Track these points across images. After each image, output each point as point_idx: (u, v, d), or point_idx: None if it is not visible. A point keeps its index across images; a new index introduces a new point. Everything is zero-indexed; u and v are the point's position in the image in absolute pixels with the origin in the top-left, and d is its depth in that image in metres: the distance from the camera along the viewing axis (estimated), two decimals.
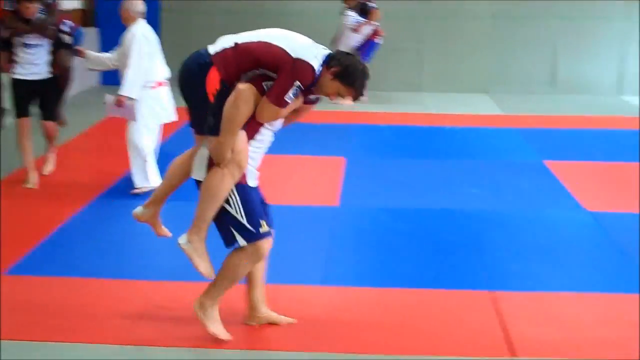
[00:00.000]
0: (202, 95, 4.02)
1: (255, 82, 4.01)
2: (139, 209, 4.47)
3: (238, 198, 4.05)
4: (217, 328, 4.20)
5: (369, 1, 11.43)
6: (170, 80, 6.48)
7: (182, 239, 4.11)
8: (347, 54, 4.26)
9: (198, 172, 4.11)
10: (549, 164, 8.24)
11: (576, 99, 12.41)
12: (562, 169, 7.99)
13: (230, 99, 3.96)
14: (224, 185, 3.99)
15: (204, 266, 4.13)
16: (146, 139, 6.74)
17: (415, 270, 5.35)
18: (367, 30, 11.39)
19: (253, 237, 4.07)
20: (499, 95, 12.60)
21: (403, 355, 4.13)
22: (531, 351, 4.17)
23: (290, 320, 4.44)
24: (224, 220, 4.09)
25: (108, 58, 7.01)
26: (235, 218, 4.05)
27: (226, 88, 3.98)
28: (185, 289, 4.73)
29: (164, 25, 12.34)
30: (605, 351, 4.21)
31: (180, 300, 4.62)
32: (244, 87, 3.96)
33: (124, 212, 5.70)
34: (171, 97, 6.80)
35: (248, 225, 4.06)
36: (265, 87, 4.00)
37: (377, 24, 11.42)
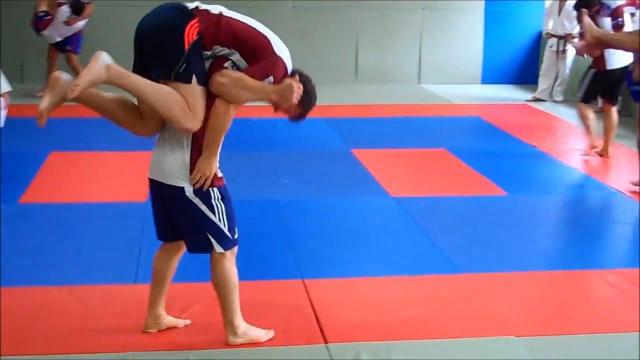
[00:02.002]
0: (178, 41, 3.77)
1: (218, 61, 3.87)
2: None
3: (224, 207, 3.96)
4: (262, 333, 4.19)
5: None
6: None
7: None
8: (307, 76, 4.12)
9: (179, 179, 3.91)
10: (356, 152, 8.48)
11: (380, 89, 12.82)
12: (368, 157, 8.23)
13: (221, 109, 3.82)
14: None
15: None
16: None
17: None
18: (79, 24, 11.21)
19: (230, 244, 4.02)
20: None
21: (214, 349, 4.12)
22: (343, 336, 4.27)
23: (186, 322, 4.35)
24: (200, 227, 3.94)
25: None
26: (217, 226, 3.95)
27: (199, 42, 3.80)
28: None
29: None
30: (413, 331, 4.37)
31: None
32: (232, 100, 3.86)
33: None
34: None
35: (228, 233, 3.99)
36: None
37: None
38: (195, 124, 3.83)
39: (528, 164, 8.25)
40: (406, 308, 4.67)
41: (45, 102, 3.73)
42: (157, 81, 3.81)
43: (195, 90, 3.81)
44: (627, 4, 8.49)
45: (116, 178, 7.41)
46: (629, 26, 8.36)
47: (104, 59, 3.68)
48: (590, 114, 8.48)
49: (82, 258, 5.39)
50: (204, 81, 3.84)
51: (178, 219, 4.00)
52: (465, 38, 13.35)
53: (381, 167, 7.88)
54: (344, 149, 8.65)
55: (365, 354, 4.08)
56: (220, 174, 3.99)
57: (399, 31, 13.29)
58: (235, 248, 4.09)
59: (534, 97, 11.86)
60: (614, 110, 8.52)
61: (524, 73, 13.35)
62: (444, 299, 4.83)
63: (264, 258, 5.45)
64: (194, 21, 3.81)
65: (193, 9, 3.87)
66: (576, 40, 9.49)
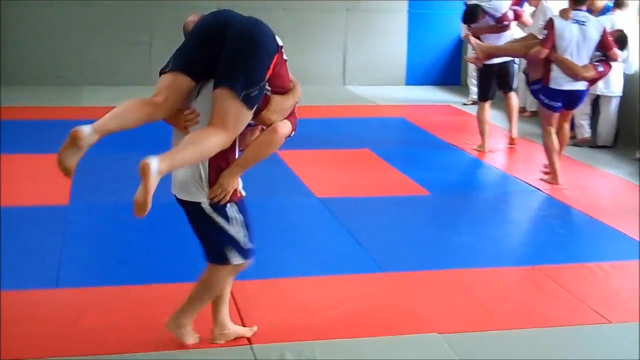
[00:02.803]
0: (266, 66, 3.76)
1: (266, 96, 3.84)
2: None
3: (240, 219, 3.93)
4: (192, 340, 4.15)
5: None
6: None
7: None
8: None
9: (196, 194, 3.85)
10: (281, 153, 8.46)
11: (304, 90, 12.69)
12: (293, 158, 8.23)
13: (267, 139, 3.92)
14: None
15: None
16: None
17: (152, 267, 5.31)
18: None
19: (245, 255, 3.99)
20: None
21: (116, 355, 4.08)
22: (267, 337, 4.26)
23: (254, 329, 4.32)
24: (216, 237, 3.90)
25: None
26: (233, 238, 3.91)
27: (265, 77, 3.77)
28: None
29: None
30: (338, 330, 4.40)
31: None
32: (282, 134, 3.93)
33: None
34: None
35: (243, 245, 3.95)
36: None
37: None
38: (227, 143, 3.73)
39: (451, 164, 8.37)
40: (331, 307, 4.70)
41: (70, 161, 3.55)
42: (217, 86, 3.69)
43: (247, 117, 3.74)
44: (513, 4, 8.88)
45: (35, 181, 7.26)
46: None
47: (152, 168, 3.40)
48: (486, 117, 8.76)
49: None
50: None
51: (195, 229, 3.98)
52: (389, 39, 13.47)
53: (306, 168, 7.90)
54: None
55: (290, 354, 4.09)
56: (241, 189, 3.99)
57: (323, 32, 13.32)
58: (246, 264, 4.06)
59: (470, 100, 11.90)
60: (512, 96, 8.94)
61: (448, 74, 13.54)
62: (368, 298, 4.87)
63: (187, 260, 5.40)
64: (278, 54, 3.86)
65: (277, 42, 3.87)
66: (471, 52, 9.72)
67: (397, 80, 13.46)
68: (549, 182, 7.60)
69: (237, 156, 3.91)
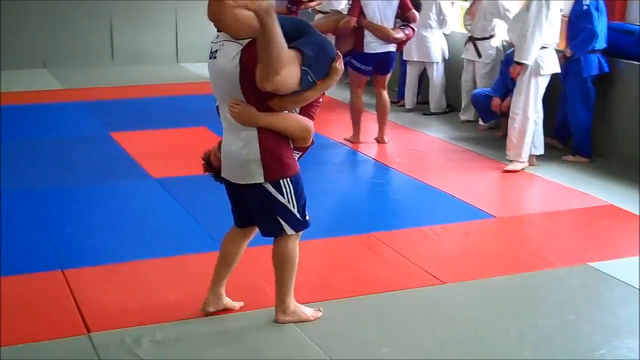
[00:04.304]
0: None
1: None
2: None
3: (292, 189, 4.01)
4: (311, 312, 4.32)
5: None
6: None
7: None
8: None
9: (251, 176, 3.95)
10: (115, 135, 8.31)
11: (138, 69, 12.61)
12: (128, 140, 8.10)
13: (303, 126, 4.06)
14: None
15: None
16: None
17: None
18: None
19: (300, 225, 4.10)
20: (58, 69, 12.37)
21: None
22: (106, 324, 4.19)
23: (240, 303, 4.46)
24: (272, 211, 4.01)
25: None
26: (287, 208, 4.01)
27: None
28: None
29: None
30: (179, 311, 4.37)
31: None
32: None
33: None
34: None
35: (298, 215, 4.05)
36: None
37: None
38: (274, 86, 3.71)
39: None
40: (171, 289, 4.67)
41: None
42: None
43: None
44: None
45: None
46: None
47: None
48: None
49: None
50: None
51: (251, 207, 4.09)
52: None
53: (142, 149, 7.78)
54: (102, 133, 8.45)
55: (130, 339, 4.04)
56: (295, 163, 4.05)
57: (154, 10, 13.11)
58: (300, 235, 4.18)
59: None
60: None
61: None
62: (209, 276, 4.84)
63: (20, 251, 5.23)
64: None
65: None
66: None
67: None
68: (350, 141, 8.18)
69: (287, 141, 4.02)
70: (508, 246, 5.48)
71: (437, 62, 9.57)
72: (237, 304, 4.46)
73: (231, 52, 3.80)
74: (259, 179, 3.94)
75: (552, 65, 7.18)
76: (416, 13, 7.97)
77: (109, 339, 4.04)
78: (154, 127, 8.79)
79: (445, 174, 7.18)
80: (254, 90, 3.78)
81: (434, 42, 9.46)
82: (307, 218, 4.14)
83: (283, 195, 3.99)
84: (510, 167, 7.25)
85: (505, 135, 7.91)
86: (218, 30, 3.98)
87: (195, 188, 6.59)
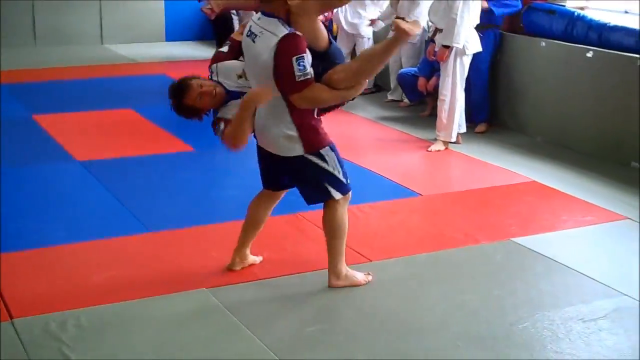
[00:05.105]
0: None
1: None
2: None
3: (334, 156, 4.26)
4: (362, 277, 4.54)
5: None
6: None
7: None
8: None
9: (293, 149, 4.20)
10: (38, 118, 8.15)
11: (61, 51, 12.36)
12: (52, 122, 7.95)
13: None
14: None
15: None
16: None
17: None
18: None
19: (346, 188, 4.35)
20: None
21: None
22: (31, 310, 4.12)
23: (260, 258, 4.77)
24: (318, 179, 4.26)
25: None
26: (333, 174, 4.26)
27: None
28: None
29: None
30: (105, 295, 4.32)
31: None
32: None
33: None
34: None
35: (342, 179, 4.30)
36: None
37: None
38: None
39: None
40: (97, 273, 4.61)
41: None
42: None
43: None
44: None
45: None
46: None
47: None
48: None
49: None
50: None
51: (295, 178, 4.36)
52: None
53: (66, 132, 7.65)
54: (25, 116, 8.28)
55: (54, 324, 3.97)
56: (326, 132, 4.29)
57: None
58: (350, 194, 4.40)
59: None
60: None
61: (208, 30, 13.46)
62: (135, 259, 4.82)
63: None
64: None
65: None
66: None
67: (157, 37, 13.28)
68: None
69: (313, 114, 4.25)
70: (434, 223, 5.55)
71: (368, 38, 9.59)
72: (258, 259, 4.77)
73: (270, 42, 3.99)
74: (300, 151, 4.19)
75: (475, 45, 7.27)
76: None
77: (33, 325, 3.97)
78: (78, 109, 8.64)
79: (372, 154, 7.23)
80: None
81: (366, 18, 9.48)
82: (349, 181, 4.38)
83: (327, 163, 4.25)
84: (434, 147, 7.33)
85: (431, 114, 8.00)
86: (262, 13, 4.13)
87: (122, 171, 6.54)
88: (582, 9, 7.79)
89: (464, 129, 7.51)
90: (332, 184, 4.28)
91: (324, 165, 4.24)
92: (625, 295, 4.46)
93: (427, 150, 7.26)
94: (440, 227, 5.48)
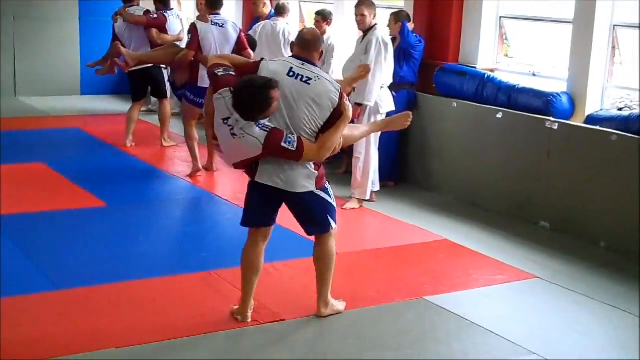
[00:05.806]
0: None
1: None
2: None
3: (331, 191, 4.86)
4: (341, 305, 5.00)
5: None
6: None
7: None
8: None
9: (306, 185, 4.70)
10: None
11: None
12: None
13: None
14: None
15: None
16: None
17: None
18: None
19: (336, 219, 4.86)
20: None
21: None
22: None
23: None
24: (323, 211, 4.78)
25: None
26: (333, 205, 4.84)
27: None
28: None
29: None
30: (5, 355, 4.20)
31: None
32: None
33: None
34: None
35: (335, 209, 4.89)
36: None
37: None
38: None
39: (127, 173, 8.30)
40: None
41: None
42: None
43: None
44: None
45: None
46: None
47: None
48: (135, 116, 9.64)
49: None
50: None
51: (301, 211, 4.83)
52: (62, 48, 13.05)
53: None
54: None
55: None
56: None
57: None
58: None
59: (147, 107, 11.79)
60: (164, 103, 9.65)
61: (125, 84, 13.35)
62: (42, 318, 4.69)
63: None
64: None
65: None
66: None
67: (72, 90, 13.12)
68: (191, 175, 8.27)
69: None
70: (348, 281, 5.56)
71: None
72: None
73: (330, 88, 4.63)
74: (312, 187, 4.70)
75: (388, 104, 7.41)
76: (251, 52, 8.20)
77: None
78: None
79: (287, 210, 7.21)
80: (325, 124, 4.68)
81: None
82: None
83: (330, 196, 4.82)
84: (349, 205, 7.39)
85: (346, 171, 8.07)
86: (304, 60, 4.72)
87: (32, 226, 6.41)
88: (492, 70, 8.02)
89: (377, 187, 7.60)
90: (332, 215, 4.82)
91: (328, 198, 4.80)
92: (534, 353, 4.53)
93: (342, 208, 7.29)
94: (354, 285, 5.49)
